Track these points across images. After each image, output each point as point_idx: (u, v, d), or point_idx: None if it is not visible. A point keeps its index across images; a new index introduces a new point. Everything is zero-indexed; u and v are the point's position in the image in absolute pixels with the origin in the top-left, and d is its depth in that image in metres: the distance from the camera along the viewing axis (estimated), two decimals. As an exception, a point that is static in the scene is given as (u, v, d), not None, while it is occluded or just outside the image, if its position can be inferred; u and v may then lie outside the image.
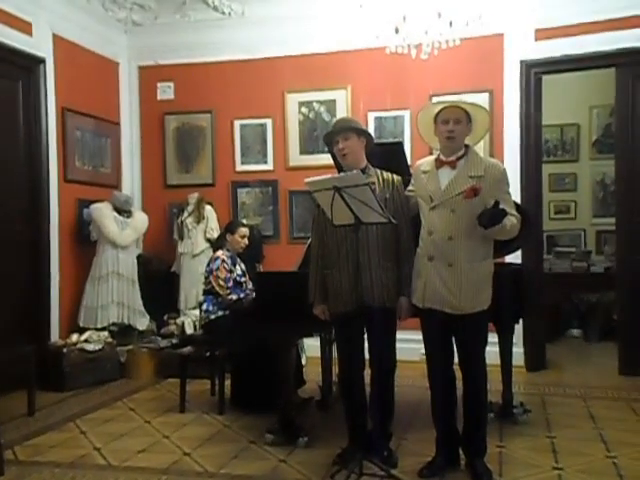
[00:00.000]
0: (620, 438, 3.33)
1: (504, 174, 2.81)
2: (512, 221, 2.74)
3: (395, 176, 3.00)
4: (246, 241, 4.20)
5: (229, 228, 4.23)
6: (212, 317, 4.07)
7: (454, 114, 2.76)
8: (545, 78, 5.11)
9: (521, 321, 4.36)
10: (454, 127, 2.75)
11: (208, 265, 4.15)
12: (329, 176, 2.75)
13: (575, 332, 6.38)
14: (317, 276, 3.01)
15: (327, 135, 3.09)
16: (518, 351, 4.24)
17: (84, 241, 5.25)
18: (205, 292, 4.15)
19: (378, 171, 3.01)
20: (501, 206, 2.62)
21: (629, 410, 3.87)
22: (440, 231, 2.75)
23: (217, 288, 4.01)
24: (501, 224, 2.64)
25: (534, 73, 5.03)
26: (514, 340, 3.83)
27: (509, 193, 2.85)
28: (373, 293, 2.86)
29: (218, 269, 4.02)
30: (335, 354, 3.96)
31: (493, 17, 4.69)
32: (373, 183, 2.92)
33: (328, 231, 2.94)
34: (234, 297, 3.99)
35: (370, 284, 2.85)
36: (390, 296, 2.90)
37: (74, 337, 4.84)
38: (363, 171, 2.92)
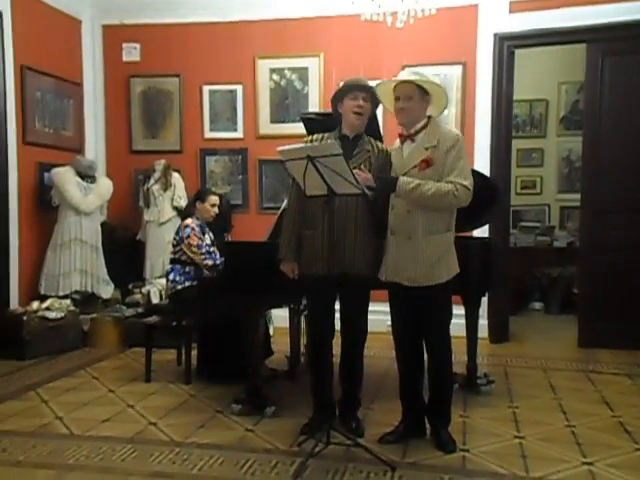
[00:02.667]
0: (578, 408, 3.43)
1: (456, 140, 2.73)
2: (440, 188, 2.64)
3: (386, 147, 2.97)
4: (216, 210, 4.11)
5: (199, 196, 4.12)
6: (179, 287, 3.99)
7: (404, 91, 2.75)
8: (517, 52, 5.10)
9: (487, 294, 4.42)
10: (404, 104, 2.74)
11: (177, 233, 4.04)
12: (303, 145, 2.68)
13: (537, 305, 6.53)
14: (292, 233, 2.95)
15: (349, 86, 2.86)
16: (482, 323, 4.29)
17: (45, 206, 5.07)
18: (172, 261, 4.05)
19: (372, 139, 2.96)
20: (450, 174, 2.66)
21: (587, 381, 3.99)
22: (400, 205, 2.77)
23: (191, 255, 3.93)
24: (417, 191, 2.65)
25: (507, 46, 5.01)
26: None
27: (460, 160, 2.71)
28: (354, 260, 2.84)
29: (189, 237, 3.93)
30: (303, 325, 3.97)
31: (469, -13, 4.64)
32: (368, 151, 2.90)
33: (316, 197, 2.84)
34: (210, 262, 3.92)
35: (352, 250, 2.83)
36: (370, 265, 2.88)
37: (35, 305, 4.70)
38: (360, 137, 2.89)
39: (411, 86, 2.74)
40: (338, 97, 2.91)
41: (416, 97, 2.74)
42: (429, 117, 2.81)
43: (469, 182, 2.70)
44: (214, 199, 4.09)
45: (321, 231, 2.85)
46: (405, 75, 2.83)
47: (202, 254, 3.92)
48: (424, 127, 2.78)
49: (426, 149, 2.73)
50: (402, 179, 2.69)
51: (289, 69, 5.45)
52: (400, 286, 2.79)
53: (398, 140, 2.90)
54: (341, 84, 2.97)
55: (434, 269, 2.74)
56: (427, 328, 2.84)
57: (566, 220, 7.01)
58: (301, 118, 3.60)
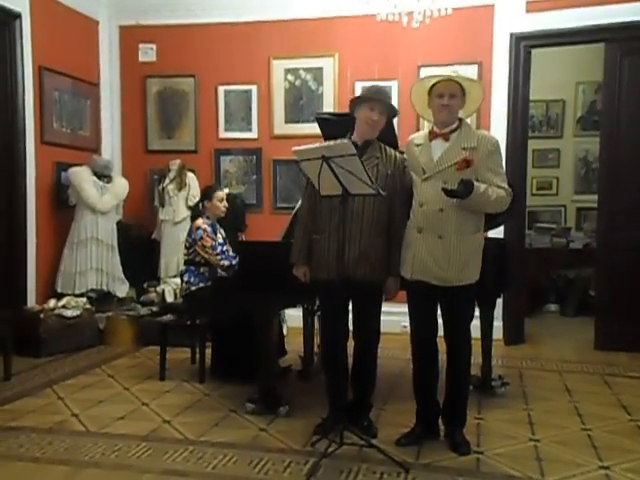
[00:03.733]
0: (594, 411, 3.40)
1: (497, 146, 2.78)
2: (499, 194, 2.72)
3: (398, 153, 2.95)
4: (225, 204, 4.10)
5: (206, 195, 4.10)
6: (193, 288, 4.00)
7: (449, 88, 2.72)
8: (533, 52, 5.05)
9: (502, 296, 4.39)
10: (449, 102, 2.72)
11: (189, 235, 4.04)
12: (318, 145, 2.68)
13: (552, 307, 6.48)
14: (304, 238, 2.97)
15: (369, 97, 2.85)
16: (497, 325, 4.26)
17: (62, 205, 5.13)
18: (186, 262, 4.07)
19: (382, 145, 2.94)
20: (494, 178, 2.69)
21: (603, 384, 3.95)
22: (431, 203, 2.73)
23: (207, 256, 3.93)
24: (485, 195, 2.64)
25: (523, 46, 4.98)
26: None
27: (502, 166, 2.82)
28: (357, 266, 2.83)
29: (202, 239, 3.93)
30: (317, 325, 3.97)
31: (485, -13, 4.62)
32: (377, 158, 2.88)
33: (323, 198, 2.85)
34: (226, 263, 3.92)
35: (357, 257, 2.82)
36: (375, 271, 2.87)
37: (51, 303, 4.76)
38: (369, 144, 2.88)
39: (455, 84, 2.73)
40: (357, 101, 2.90)
41: (459, 95, 2.74)
42: (460, 119, 2.81)
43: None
44: (220, 194, 4.09)
45: (327, 236, 2.86)
46: (448, 73, 2.82)
47: (217, 255, 3.93)
48: (458, 127, 2.77)
49: (463, 149, 2.71)
50: (476, 183, 2.65)
51: (304, 69, 5.46)
52: (425, 285, 2.77)
53: (420, 136, 2.88)
54: (363, 88, 2.95)
55: (465, 269, 2.74)
56: (450, 328, 2.82)
57: (582, 221, 6.95)
58: (316, 118, 3.61)
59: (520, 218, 5.12)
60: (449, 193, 2.63)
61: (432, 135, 2.81)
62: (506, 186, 2.76)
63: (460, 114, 2.81)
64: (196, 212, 4.18)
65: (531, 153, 6.25)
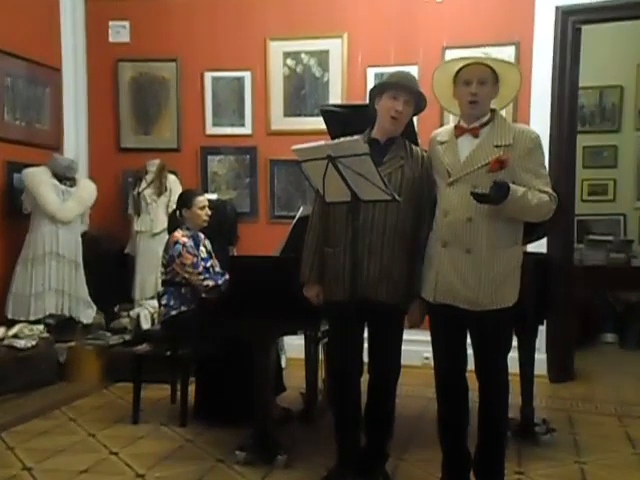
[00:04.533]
0: (662, 465, 3.41)
1: (537, 142, 2.79)
2: (541, 198, 2.72)
3: (424, 152, 2.99)
4: (208, 211, 4.15)
5: (184, 202, 4.14)
6: (173, 313, 4.05)
7: (478, 73, 2.74)
8: (584, 29, 5.11)
9: (545, 323, 4.41)
10: (478, 89, 2.73)
11: (166, 251, 4.07)
12: (322, 143, 2.71)
13: (610, 337, 6.49)
14: (315, 251, 2.98)
15: (393, 83, 2.90)
16: (540, 358, 4.30)
17: (14, 214, 5.20)
18: (164, 283, 4.12)
19: (407, 143, 2.97)
20: (534, 181, 2.70)
21: (672, 431, 3.95)
22: (458, 211, 2.74)
23: (187, 276, 3.98)
24: (524, 200, 2.66)
25: (572, 22, 5.02)
26: (536, 345, 3.87)
27: (544, 167, 2.83)
28: (377, 286, 2.85)
29: (181, 255, 3.97)
30: (322, 356, 4.00)
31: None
32: (402, 158, 2.91)
33: (337, 204, 2.88)
34: (210, 283, 3.95)
35: (377, 274, 2.84)
36: (398, 292, 2.89)
37: (0, 331, 4.80)
38: (393, 141, 2.93)
39: (485, 68, 2.75)
40: (377, 91, 2.93)
41: (490, 82, 2.76)
42: (493, 110, 2.82)
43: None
44: (201, 200, 4.13)
45: (342, 249, 2.88)
46: (478, 55, 2.81)
47: (199, 274, 3.97)
48: (490, 121, 2.79)
49: (497, 147, 2.73)
50: (512, 186, 2.65)
51: (306, 53, 5.54)
52: (451, 309, 2.78)
53: (445, 132, 2.91)
54: (385, 75, 2.99)
55: (500, 289, 2.74)
56: (483, 360, 2.83)
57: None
58: (321, 111, 3.67)
59: (568, 229, 5.15)
60: (480, 198, 2.65)
61: (458, 131, 2.83)
62: (550, 190, 2.76)
63: (493, 105, 2.84)
64: (174, 223, 4.21)
65: (581, 151, 6.29)
